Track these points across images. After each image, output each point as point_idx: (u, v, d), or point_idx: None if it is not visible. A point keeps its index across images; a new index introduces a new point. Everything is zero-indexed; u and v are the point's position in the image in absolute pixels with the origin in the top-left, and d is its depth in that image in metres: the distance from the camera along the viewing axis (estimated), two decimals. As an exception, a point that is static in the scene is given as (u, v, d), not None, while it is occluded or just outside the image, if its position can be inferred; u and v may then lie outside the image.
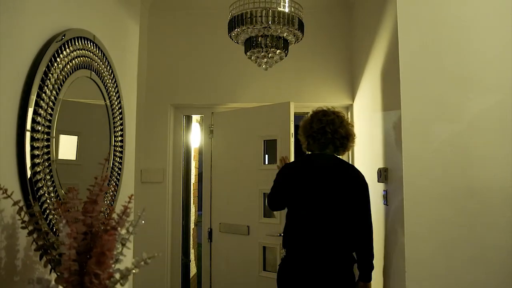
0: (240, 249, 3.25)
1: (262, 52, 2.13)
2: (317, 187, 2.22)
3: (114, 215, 1.30)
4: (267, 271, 3.13)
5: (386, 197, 2.31)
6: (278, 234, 2.94)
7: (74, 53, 1.65)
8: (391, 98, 2.19)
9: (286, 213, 2.35)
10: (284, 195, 2.31)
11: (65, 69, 1.58)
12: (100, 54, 1.89)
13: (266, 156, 3.32)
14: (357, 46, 3.21)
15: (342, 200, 2.19)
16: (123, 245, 1.28)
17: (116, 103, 2.10)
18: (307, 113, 3.40)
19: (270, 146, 3.26)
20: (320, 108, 2.40)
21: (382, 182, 2.37)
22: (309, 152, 2.41)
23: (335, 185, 2.21)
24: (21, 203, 1.26)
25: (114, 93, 2.08)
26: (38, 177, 1.41)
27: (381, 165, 2.42)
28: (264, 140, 3.23)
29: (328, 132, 2.27)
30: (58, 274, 1.21)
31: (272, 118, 3.17)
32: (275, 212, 3.05)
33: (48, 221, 1.43)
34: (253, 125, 3.29)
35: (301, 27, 2.11)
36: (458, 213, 1.96)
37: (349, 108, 3.44)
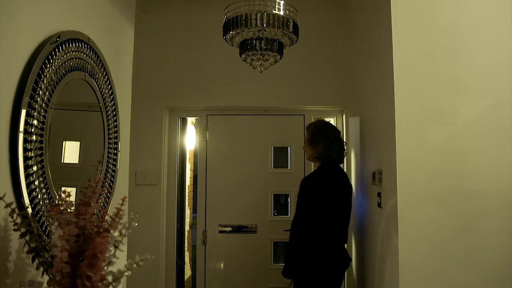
0: (245, 248, 3.41)
1: (257, 54, 2.12)
2: (338, 195, 2.63)
3: (107, 218, 1.29)
4: (276, 263, 3.43)
5: (380, 200, 2.32)
6: None
7: (68, 54, 1.64)
8: (385, 101, 2.20)
9: (307, 214, 2.61)
10: (316, 208, 2.58)
11: (59, 71, 1.57)
12: (94, 56, 1.88)
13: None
14: (354, 49, 3.22)
15: (348, 204, 2.66)
16: (116, 247, 1.27)
17: (110, 105, 2.09)
18: (303, 115, 3.45)
19: (276, 151, 3.53)
20: (319, 119, 2.89)
21: (376, 185, 2.38)
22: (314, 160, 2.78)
23: (347, 194, 2.68)
24: (14, 205, 1.25)
25: (109, 95, 2.07)
26: (31, 179, 1.40)
27: (375, 168, 2.42)
28: (274, 146, 3.49)
29: (340, 139, 2.74)
30: (50, 276, 1.20)
31: (283, 126, 3.49)
32: (287, 210, 3.46)
33: (40, 223, 1.43)
34: (256, 131, 3.51)
35: (295, 29, 2.12)
36: (452, 216, 1.97)
37: (345, 110, 3.45)
